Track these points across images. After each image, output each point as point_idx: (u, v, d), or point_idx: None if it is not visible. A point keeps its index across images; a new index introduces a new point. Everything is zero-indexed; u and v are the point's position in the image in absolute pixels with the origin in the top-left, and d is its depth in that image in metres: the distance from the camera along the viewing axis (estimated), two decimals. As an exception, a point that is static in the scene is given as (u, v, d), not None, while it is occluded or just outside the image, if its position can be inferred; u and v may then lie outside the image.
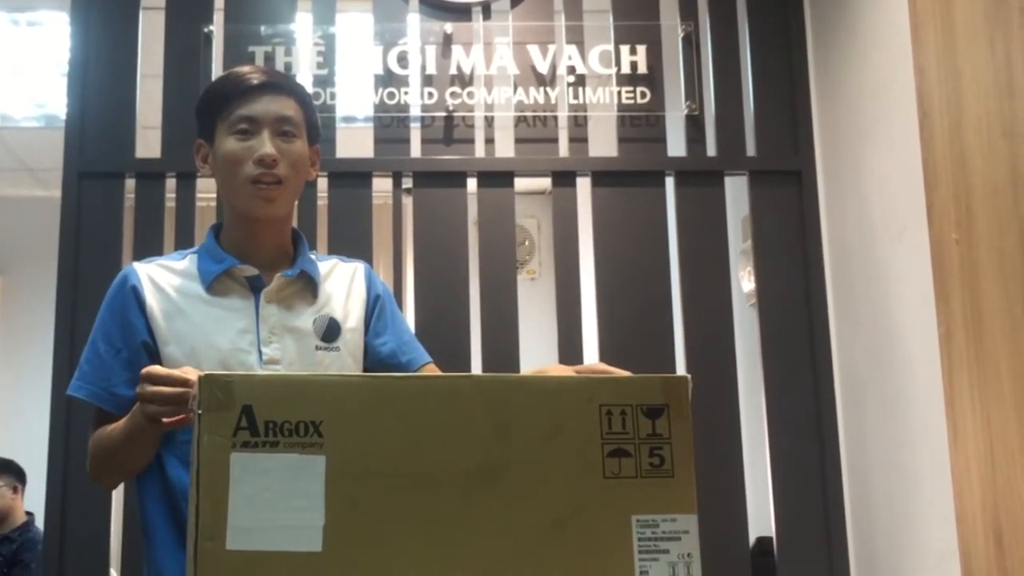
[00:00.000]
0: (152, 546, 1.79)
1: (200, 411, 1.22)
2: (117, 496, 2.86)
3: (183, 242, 3.00)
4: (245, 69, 1.89)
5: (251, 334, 1.81)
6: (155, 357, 1.79)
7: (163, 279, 1.85)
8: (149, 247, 2.99)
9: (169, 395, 1.52)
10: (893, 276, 2.77)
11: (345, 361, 1.88)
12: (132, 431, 1.67)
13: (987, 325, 2.14)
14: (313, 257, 1.96)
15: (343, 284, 1.95)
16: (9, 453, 5.32)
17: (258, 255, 1.87)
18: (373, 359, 1.93)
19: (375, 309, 1.96)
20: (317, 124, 1.95)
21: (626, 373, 1.46)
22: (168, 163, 3.05)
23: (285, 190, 1.84)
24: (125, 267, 1.89)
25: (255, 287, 1.85)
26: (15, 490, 5.12)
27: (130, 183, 3.06)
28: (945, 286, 2.31)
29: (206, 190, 3.08)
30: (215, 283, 1.84)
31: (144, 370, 1.56)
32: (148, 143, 3.11)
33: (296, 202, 1.98)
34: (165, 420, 1.54)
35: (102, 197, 3.02)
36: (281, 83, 1.88)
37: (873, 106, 2.90)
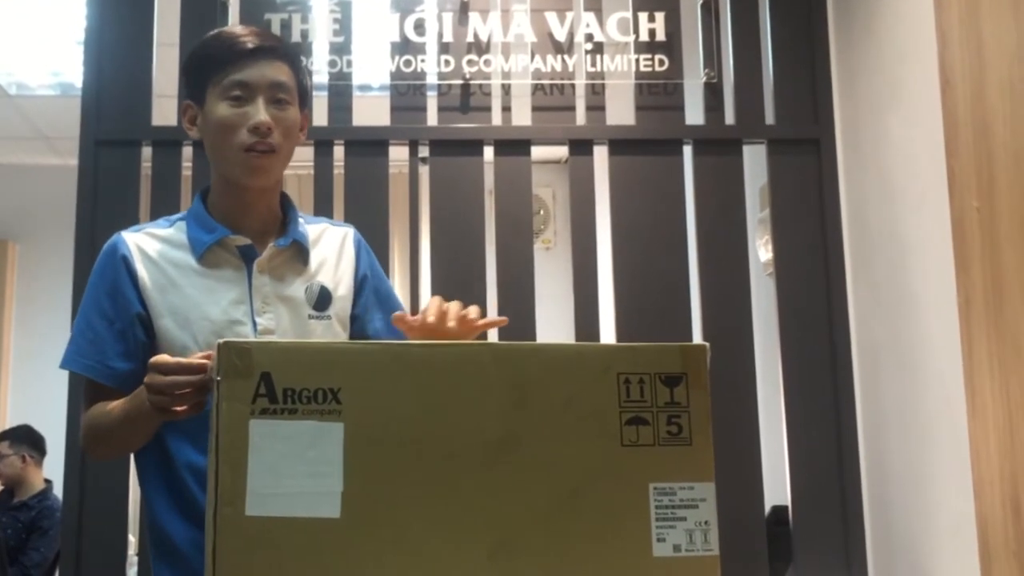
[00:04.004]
0: (155, 514, 1.78)
1: (219, 378, 1.22)
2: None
3: (200, 210, 3.00)
4: (237, 31, 1.83)
5: (244, 304, 1.79)
6: (149, 329, 1.77)
7: (152, 249, 1.81)
8: (166, 215, 2.98)
9: (183, 384, 1.47)
10: (912, 245, 2.75)
11: (335, 329, 1.86)
12: (133, 415, 1.64)
13: (1007, 294, 2.12)
14: (302, 221, 1.92)
15: (334, 249, 1.93)
16: (27, 420, 5.36)
17: (249, 223, 1.84)
18: (358, 332, 1.91)
19: (363, 286, 1.94)
20: (308, 88, 1.91)
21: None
22: (184, 131, 3.04)
23: (278, 158, 1.80)
24: (113, 237, 1.84)
25: (247, 256, 1.82)
26: (24, 459, 5.15)
27: (147, 151, 3.06)
28: (965, 254, 2.29)
29: (222, 158, 3.08)
30: (206, 253, 1.81)
31: (152, 360, 1.51)
32: (164, 111, 3.11)
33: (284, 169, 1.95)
34: (176, 409, 1.49)
35: (119, 165, 3.02)
36: (276, 47, 1.82)
37: (894, 73, 2.87)
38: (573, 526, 1.25)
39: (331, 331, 1.85)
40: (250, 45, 1.78)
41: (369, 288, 1.93)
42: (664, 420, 1.29)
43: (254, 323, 1.78)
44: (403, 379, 1.26)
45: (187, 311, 1.77)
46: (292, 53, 1.86)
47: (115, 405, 1.71)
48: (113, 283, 1.79)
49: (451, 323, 1.67)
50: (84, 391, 1.84)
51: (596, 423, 1.28)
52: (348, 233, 1.97)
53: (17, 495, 5.18)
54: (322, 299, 1.85)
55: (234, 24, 1.89)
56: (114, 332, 1.77)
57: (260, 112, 1.76)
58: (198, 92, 1.81)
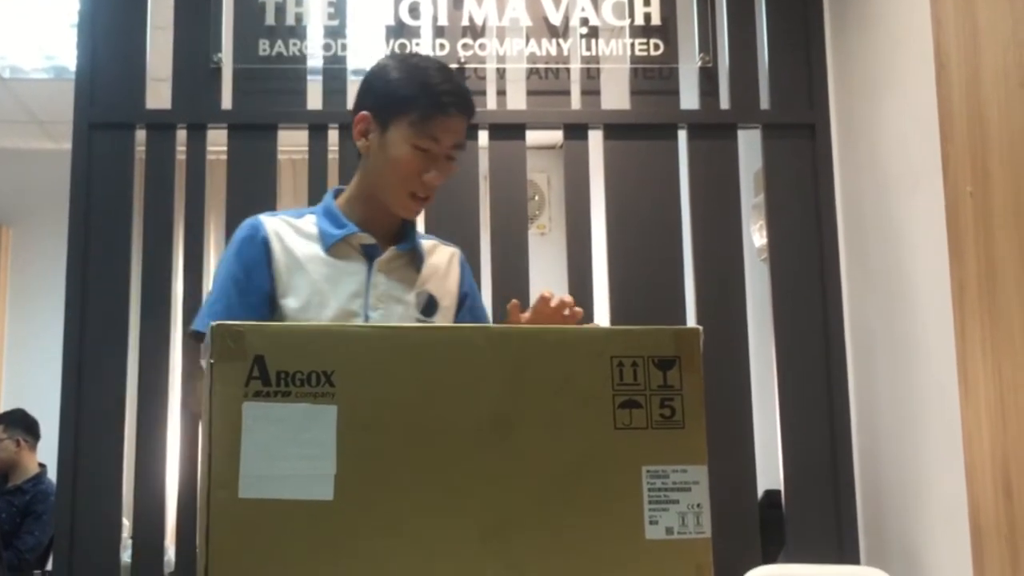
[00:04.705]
0: None
1: (212, 361, 1.22)
2: (129, 445, 2.89)
3: (194, 194, 3.00)
4: (443, 86, 1.88)
5: (361, 298, 1.89)
6: (275, 308, 1.87)
7: (287, 235, 1.92)
8: (160, 199, 2.99)
9: None
10: (906, 229, 2.75)
11: None
12: None
13: (1000, 278, 2.13)
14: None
15: (442, 264, 2.04)
16: (22, 404, 5.35)
17: (375, 227, 1.95)
18: None
19: (463, 302, 2.06)
20: None
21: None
22: (179, 114, 3.04)
23: (429, 202, 1.94)
24: (251, 218, 1.95)
25: (369, 255, 1.93)
26: (18, 443, 5.15)
27: (140, 135, 3.05)
28: (959, 239, 2.30)
29: (216, 143, 3.07)
30: (334, 246, 1.91)
31: None
32: (158, 95, 3.10)
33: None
34: None
35: (113, 148, 3.02)
36: (466, 108, 1.91)
37: (889, 58, 2.87)
38: (566, 509, 1.25)
39: None
40: (453, 110, 1.87)
41: (467, 306, 2.06)
42: (657, 403, 1.29)
43: (367, 317, 1.88)
44: (397, 362, 1.26)
45: (310, 296, 1.87)
46: (473, 110, 1.95)
47: None
48: (251, 259, 1.89)
49: (565, 312, 1.77)
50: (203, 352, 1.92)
51: (589, 406, 1.28)
52: (455, 253, 2.11)
53: (11, 479, 5.17)
54: (429, 306, 1.96)
55: (436, 65, 1.90)
56: (245, 304, 1.87)
57: (438, 171, 1.88)
58: (384, 116, 1.89)
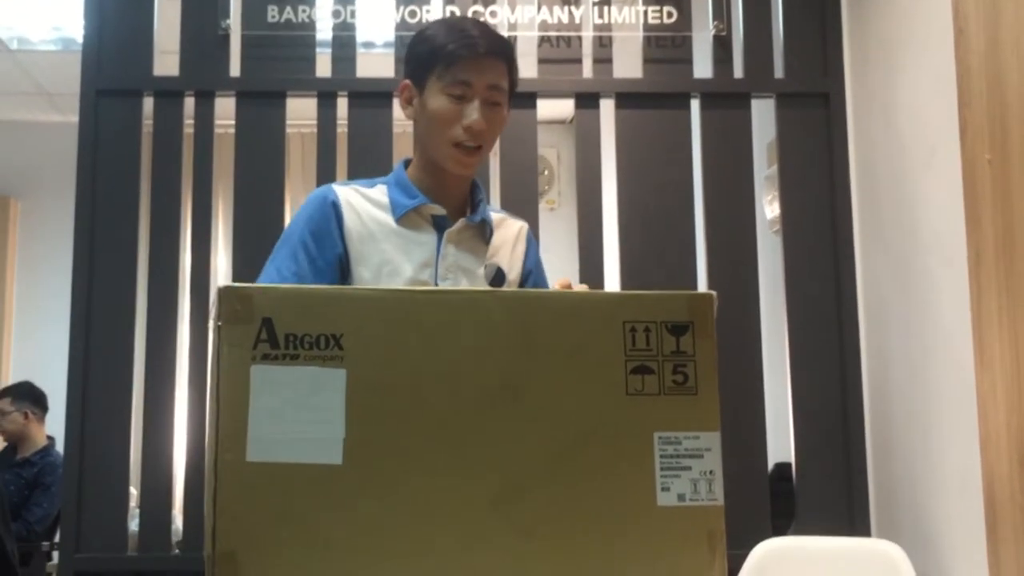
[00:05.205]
0: None
1: (220, 323, 1.20)
2: (136, 417, 2.88)
3: (202, 163, 2.98)
4: (471, 31, 1.88)
5: (431, 268, 1.90)
6: (347, 274, 1.87)
7: (358, 203, 1.92)
8: (168, 168, 2.97)
9: None
10: (922, 199, 2.72)
11: None
12: None
13: (1019, 246, 2.10)
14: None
15: (510, 238, 2.04)
16: (29, 377, 5.37)
17: (444, 198, 1.94)
18: None
19: (527, 278, 2.06)
20: (517, 83, 1.97)
21: None
22: (187, 81, 3.02)
23: (482, 153, 1.91)
24: (322, 186, 1.96)
25: (439, 226, 1.93)
26: (26, 415, 5.17)
27: (148, 107, 3.02)
28: (976, 207, 2.27)
29: (223, 116, 3.04)
30: (404, 216, 1.92)
31: None
32: (166, 67, 3.07)
33: None
34: None
35: (120, 115, 2.99)
36: (499, 50, 1.90)
37: (906, 23, 2.83)
38: (577, 474, 1.24)
39: None
40: (481, 49, 1.86)
41: (531, 281, 2.06)
42: (670, 369, 1.28)
43: (436, 286, 1.88)
44: (407, 325, 1.24)
45: (381, 265, 1.88)
46: (511, 53, 1.94)
47: None
48: (321, 225, 1.89)
49: None
50: None
51: (601, 371, 1.26)
52: (523, 227, 2.10)
53: (20, 451, 5.20)
54: (497, 279, 1.96)
55: (463, 17, 1.92)
56: (315, 269, 1.87)
57: (476, 113, 1.85)
58: (420, 77, 1.91)
